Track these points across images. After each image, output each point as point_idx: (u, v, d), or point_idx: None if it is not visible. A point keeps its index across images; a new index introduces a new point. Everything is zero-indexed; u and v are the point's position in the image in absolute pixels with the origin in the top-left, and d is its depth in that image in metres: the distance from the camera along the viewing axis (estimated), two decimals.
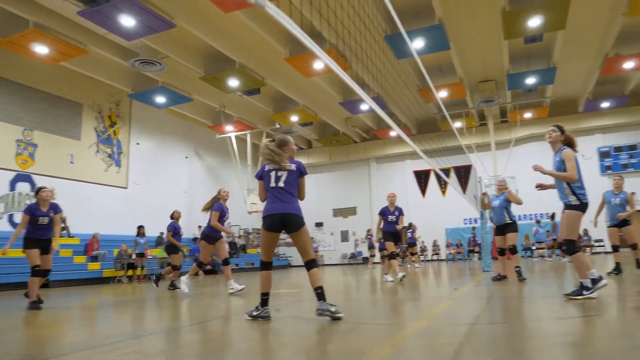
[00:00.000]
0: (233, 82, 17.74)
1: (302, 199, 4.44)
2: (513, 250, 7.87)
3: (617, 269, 7.89)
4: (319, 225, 28.80)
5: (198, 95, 19.51)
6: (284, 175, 4.32)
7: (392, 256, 9.02)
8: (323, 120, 23.75)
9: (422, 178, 22.97)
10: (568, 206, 4.95)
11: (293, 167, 4.38)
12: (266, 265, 4.49)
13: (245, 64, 16.95)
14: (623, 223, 8.19)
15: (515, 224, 8.07)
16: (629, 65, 17.69)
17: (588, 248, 21.46)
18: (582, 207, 4.89)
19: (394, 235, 9.09)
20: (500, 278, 7.97)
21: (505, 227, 8.06)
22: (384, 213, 9.15)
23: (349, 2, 6.31)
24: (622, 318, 3.86)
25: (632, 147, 23.58)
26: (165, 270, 9.87)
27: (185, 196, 22.80)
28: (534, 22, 14.16)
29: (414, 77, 18.52)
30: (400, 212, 9.17)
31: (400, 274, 8.84)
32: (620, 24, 14.98)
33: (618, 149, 23.87)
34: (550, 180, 5.33)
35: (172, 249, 9.68)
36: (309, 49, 4.10)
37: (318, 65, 16.24)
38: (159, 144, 22.18)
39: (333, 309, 4.08)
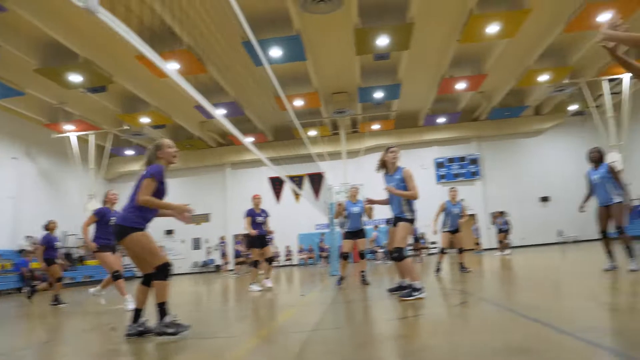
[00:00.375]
0: (75, 78, 16.22)
1: (137, 202, 3.96)
2: (363, 255, 8.29)
3: (439, 269, 9.05)
4: (169, 232, 27.49)
5: (32, 89, 17.42)
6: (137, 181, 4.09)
7: (256, 264, 8.85)
8: (177, 123, 22.84)
9: (277, 184, 23.29)
10: (403, 219, 5.45)
11: (143, 170, 4.14)
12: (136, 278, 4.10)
13: (90, 59, 15.59)
14: (457, 230, 9.34)
15: (365, 231, 8.55)
16: (460, 86, 20.06)
17: (425, 250, 23.69)
18: (414, 221, 5.53)
19: (261, 239, 8.84)
20: (341, 282, 8.12)
21: (359, 233, 8.37)
22: (252, 214, 8.81)
23: (205, 6, 6.15)
24: (448, 314, 4.28)
25: (462, 159, 26.71)
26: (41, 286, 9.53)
27: (11, 202, 19.96)
28: (382, 41, 15.30)
29: (272, 85, 18.75)
30: (267, 215, 9.05)
31: (269, 283, 8.77)
32: (454, 49, 16.88)
33: (451, 160, 26.83)
34: (384, 197, 5.81)
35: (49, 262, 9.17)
36: (162, 47, 3.87)
37: (172, 65, 15.58)
38: None
39: (171, 330, 3.81)
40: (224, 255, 20.76)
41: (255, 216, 8.76)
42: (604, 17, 14.42)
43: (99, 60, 15.89)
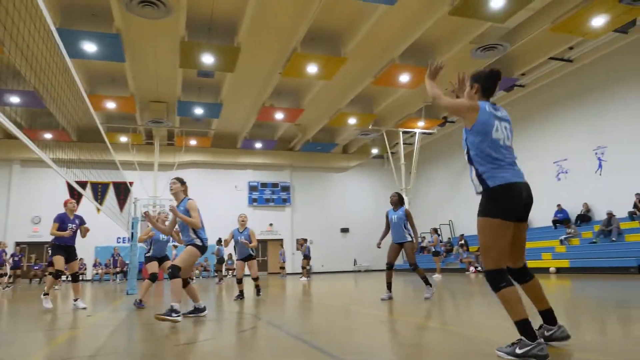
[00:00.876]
0: None
1: None
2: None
3: (242, 295, 8.72)
4: None
5: None
6: None
7: (58, 275, 7.64)
8: None
9: (74, 190, 21.09)
10: (192, 245, 5.71)
11: None
12: None
13: None
14: (250, 256, 8.88)
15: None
16: (279, 116, 20.96)
17: (231, 272, 23.75)
18: (203, 248, 5.81)
19: (69, 250, 7.85)
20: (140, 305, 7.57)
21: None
22: (63, 220, 7.80)
23: None
24: (234, 341, 4.37)
25: (275, 185, 27.74)
26: None
27: None
28: (208, 59, 15.22)
29: (82, 81, 17.14)
30: (82, 222, 8.12)
31: (81, 304, 7.70)
32: (276, 80, 17.64)
33: (264, 185, 27.63)
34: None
35: None
36: None
37: None
38: None
39: None
40: (1, 265, 17.60)
41: (68, 223, 7.78)
42: (405, 77, 16.67)
43: None
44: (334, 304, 7.76)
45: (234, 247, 8.98)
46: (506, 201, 3.00)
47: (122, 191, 17.37)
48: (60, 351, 3.87)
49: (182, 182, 6.22)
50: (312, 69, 16.06)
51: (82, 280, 23.24)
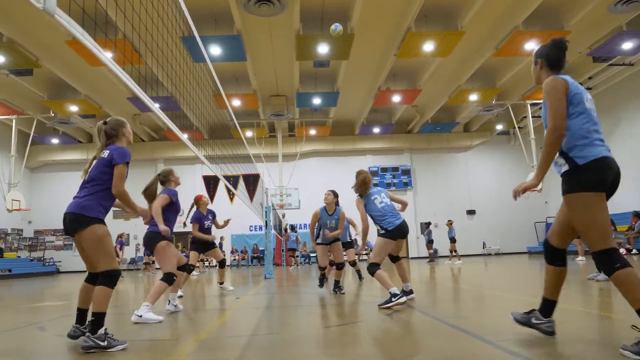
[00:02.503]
0: None
1: (114, 192, 3.58)
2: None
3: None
4: None
5: None
6: (93, 164, 3.65)
7: (191, 269, 7.62)
8: (108, 114, 21.85)
9: (211, 183, 22.87)
10: (379, 233, 5.53)
11: (105, 153, 3.64)
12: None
13: (16, 40, 14.64)
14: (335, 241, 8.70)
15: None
16: (396, 98, 20.70)
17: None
18: (389, 234, 5.39)
19: (208, 244, 8.06)
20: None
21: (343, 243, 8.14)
22: (200, 218, 7.99)
23: None
24: (381, 324, 4.43)
25: (395, 169, 27.53)
26: None
27: None
28: (323, 49, 15.50)
29: (210, 82, 18.46)
30: (214, 216, 8.29)
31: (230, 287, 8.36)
32: (391, 63, 17.40)
33: (384, 169, 27.57)
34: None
35: None
36: (96, 34, 3.72)
37: (107, 54, 14.93)
38: None
39: (104, 343, 3.30)
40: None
41: (204, 220, 8.00)
42: (531, 45, 15.46)
43: (25, 42, 14.96)
44: (474, 288, 7.52)
45: (319, 230, 7.33)
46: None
47: (251, 182, 18.41)
48: (223, 330, 4.25)
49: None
50: (428, 46, 15.59)
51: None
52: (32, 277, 20.28)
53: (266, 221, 12.28)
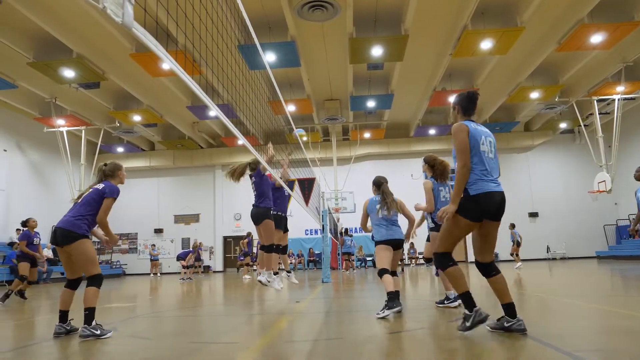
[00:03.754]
0: (68, 73, 16.09)
1: (97, 220, 4.43)
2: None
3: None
4: (158, 231, 27.33)
5: (24, 83, 17.22)
6: (89, 191, 4.50)
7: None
8: (168, 123, 22.72)
9: None
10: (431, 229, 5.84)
11: (101, 186, 4.50)
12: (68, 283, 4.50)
13: (84, 55, 15.49)
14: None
15: None
16: (452, 99, 20.15)
17: (414, 260, 23.99)
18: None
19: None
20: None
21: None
22: None
23: (202, 6, 6.14)
24: (445, 331, 4.30)
25: (452, 171, 26.73)
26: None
27: (1, 195, 19.88)
28: (377, 51, 15.38)
29: (265, 89, 18.75)
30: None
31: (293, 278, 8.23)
32: (447, 62, 17.02)
33: None
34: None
35: (22, 258, 9.16)
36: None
37: (166, 65, 15.53)
38: None
39: (98, 332, 4.14)
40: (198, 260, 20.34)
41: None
42: (598, 38, 14.67)
43: (92, 57, 15.80)
44: (540, 294, 7.19)
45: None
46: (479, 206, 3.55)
47: (307, 186, 18.54)
48: (284, 334, 4.26)
49: (425, 161, 6.05)
50: (485, 44, 15.12)
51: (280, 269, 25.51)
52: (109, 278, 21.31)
53: (323, 225, 12.30)
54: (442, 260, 3.66)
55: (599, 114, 20.49)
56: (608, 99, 19.88)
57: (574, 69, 18.09)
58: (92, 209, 4.38)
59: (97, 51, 15.77)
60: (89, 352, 3.72)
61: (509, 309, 3.54)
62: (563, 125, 25.18)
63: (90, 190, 4.48)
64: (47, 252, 19.70)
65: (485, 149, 3.64)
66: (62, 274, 20.04)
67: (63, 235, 4.24)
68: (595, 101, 19.99)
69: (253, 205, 6.83)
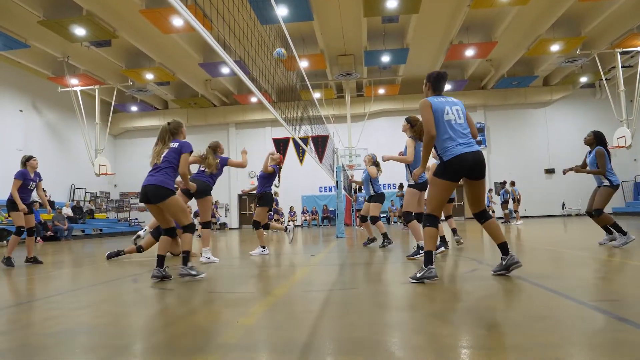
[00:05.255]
0: (79, 31, 15.95)
1: (180, 172, 4.90)
2: (372, 219, 8.36)
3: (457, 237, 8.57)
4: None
5: (36, 42, 17.13)
6: (166, 152, 4.90)
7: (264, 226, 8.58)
8: (181, 81, 22.60)
9: (281, 146, 23.19)
10: (410, 185, 6.29)
11: (175, 144, 4.95)
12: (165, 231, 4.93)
13: (94, 12, 15.29)
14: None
15: (379, 196, 8.48)
16: (469, 52, 19.71)
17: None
18: (419, 185, 6.26)
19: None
20: (370, 241, 8.48)
21: (370, 198, 8.60)
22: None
23: None
24: (455, 281, 4.34)
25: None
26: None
27: (19, 154, 20.10)
28: (392, 3, 14.95)
29: (277, 45, 18.42)
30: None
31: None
32: (464, 14, 16.49)
33: None
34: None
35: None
36: (167, 2, 3.77)
37: (177, 21, 15.30)
38: None
39: (194, 272, 4.72)
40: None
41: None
42: None
43: (102, 14, 15.60)
44: (550, 247, 7.18)
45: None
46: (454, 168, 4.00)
47: (320, 143, 18.49)
48: (302, 284, 4.34)
49: (407, 121, 6.37)
50: None
51: (294, 225, 25.85)
52: (119, 236, 21.77)
53: (337, 181, 12.31)
54: (426, 219, 4.06)
55: (622, 66, 19.87)
56: (632, 51, 19.21)
57: (597, 19, 17.43)
58: (172, 166, 4.83)
59: (106, 8, 15.56)
60: (121, 296, 3.82)
61: (503, 247, 4.08)
62: (583, 80, 24.52)
63: (167, 150, 4.88)
64: (67, 210, 20.11)
65: (451, 117, 4.08)
66: (83, 231, 20.55)
67: (156, 194, 4.67)
68: (618, 53, 19.34)
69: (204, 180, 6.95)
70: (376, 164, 8.68)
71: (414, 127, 6.23)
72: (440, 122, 4.05)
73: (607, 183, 6.67)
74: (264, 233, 8.14)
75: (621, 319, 2.45)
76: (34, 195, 7.85)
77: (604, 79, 21.05)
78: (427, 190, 4.19)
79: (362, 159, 22.62)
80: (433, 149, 4.18)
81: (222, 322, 2.83)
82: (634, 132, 19.34)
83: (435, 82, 4.29)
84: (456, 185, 4.13)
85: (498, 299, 3.30)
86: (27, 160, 7.68)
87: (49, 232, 17.51)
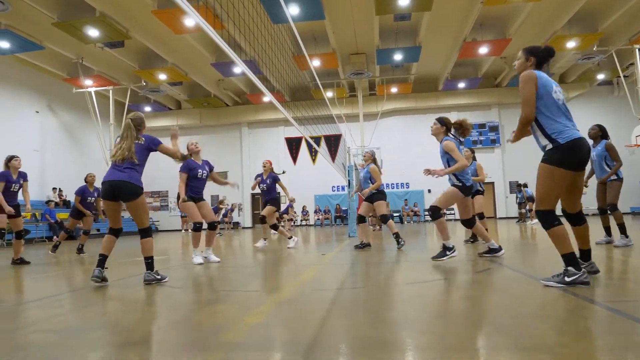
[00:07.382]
0: (93, 32, 16.10)
1: (172, 153, 4.98)
2: (383, 218, 7.91)
3: (474, 237, 8.26)
4: None
5: (51, 44, 17.34)
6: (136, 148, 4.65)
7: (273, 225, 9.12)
8: (194, 81, 22.71)
9: (293, 145, 23.19)
10: (454, 186, 5.71)
11: (142, 140, 4.70)
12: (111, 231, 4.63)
13: (107, 13, 15.43)
14: (475, 192, 8.14)
15: (381, 193, 8.00)
16: (483, 50, 19.49)
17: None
18: (464, 189, 5.69)
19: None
20: (362, 246, 7.83)
21: (372, 196, 8.01)
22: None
23: None
24: (466, 281, 4.27)
25: (482, 126, 26.20)
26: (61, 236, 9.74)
27: (36, 155, 20.43)
28: (404, 0, 14.84)
29: (289, 44, 18.41)
30: (275, 179, 9.23)
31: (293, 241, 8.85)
32: (478, 11, 16.31)
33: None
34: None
35: (75, 214, 9.30)
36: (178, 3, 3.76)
37: (189, 22, 15.36)
38: (3, 95, 19.44)
39: (159, 277, 4.50)
40: (225, 215, 21.61)
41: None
42: None
43: (115, 15, 15.73)
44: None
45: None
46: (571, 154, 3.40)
47: (333, 142, 18.45)
48: (311, 283, 4.30)
49: (442, 122, 5.94)
50: None
51: (307, 225, 25.84)
52: (134, 235, 21.97)
53: (349, 180, 12.25)
54: (546, 218, 3.41)
55: None
56: None
57: (614, 15, 17.12)
58: (142, 163, 4.64)
59: (119, 9, 15.68)
60: (128, 295, 3.83)
61: (586, 254, 3.76)
62: (601, 77, 24.12)
63: (136, 145, 4.62)
64: None
65: (560, 97, 3.54)
66: (98, 230, 20.72)
67: (130, 190, 4.42)
68: (637, 50, 18.97)
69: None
70: (375, 160, 8.40)
71: (457, 128, 5.81)
72: (549, 99, 3.45)
73: (615, 177, 6.55)
74: (272, 233, 8.29)
75: (637, 319, 2.37)
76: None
77: (621, 76, 20.65)
78: (537, 185, 3.48)
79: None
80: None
81: (228, 320, 2.80)
82: None
83: (543, 57, 3.66)
84: (571, 178, 3.48)
85: (508, 299, 3.23)
86: (8, 161, 7.49)
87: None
